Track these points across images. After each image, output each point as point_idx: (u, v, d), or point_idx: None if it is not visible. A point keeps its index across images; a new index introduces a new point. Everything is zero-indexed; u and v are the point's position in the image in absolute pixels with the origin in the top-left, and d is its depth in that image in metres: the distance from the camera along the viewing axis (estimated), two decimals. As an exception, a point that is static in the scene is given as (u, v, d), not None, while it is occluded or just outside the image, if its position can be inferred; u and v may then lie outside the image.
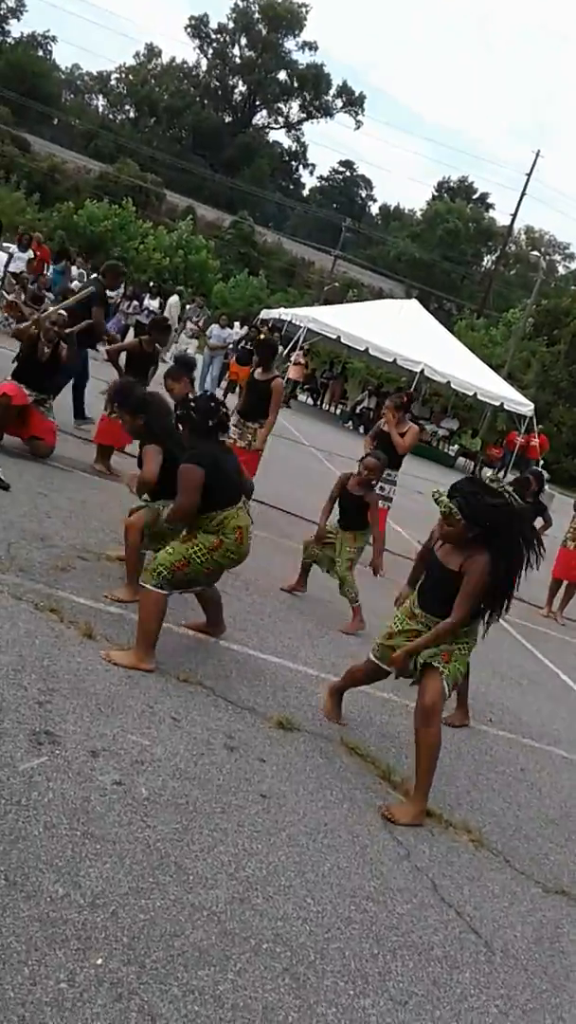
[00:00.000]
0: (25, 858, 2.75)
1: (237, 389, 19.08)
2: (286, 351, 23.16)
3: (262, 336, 18.53)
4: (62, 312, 7.86)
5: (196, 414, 4.75)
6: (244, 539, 4.67)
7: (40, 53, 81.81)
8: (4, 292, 15.84)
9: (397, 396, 9.54)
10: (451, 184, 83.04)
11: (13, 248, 17.40)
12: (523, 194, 48.68)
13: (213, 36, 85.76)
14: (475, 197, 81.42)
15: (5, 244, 18.46)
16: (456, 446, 29.12)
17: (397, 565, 9.15)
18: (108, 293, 18.56)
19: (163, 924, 2.73)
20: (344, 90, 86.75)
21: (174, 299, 19.72)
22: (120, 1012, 2.35)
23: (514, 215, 52.26)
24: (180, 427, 4.96)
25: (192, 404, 4.85)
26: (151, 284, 23.11)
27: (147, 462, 5.24)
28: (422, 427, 28.00)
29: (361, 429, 27.20)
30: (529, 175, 48.15)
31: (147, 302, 21.28)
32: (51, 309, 8.66)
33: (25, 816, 2.94)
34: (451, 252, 70.33)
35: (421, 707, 4.17)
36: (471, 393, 23.66)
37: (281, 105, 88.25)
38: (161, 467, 5.24)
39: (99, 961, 2.48)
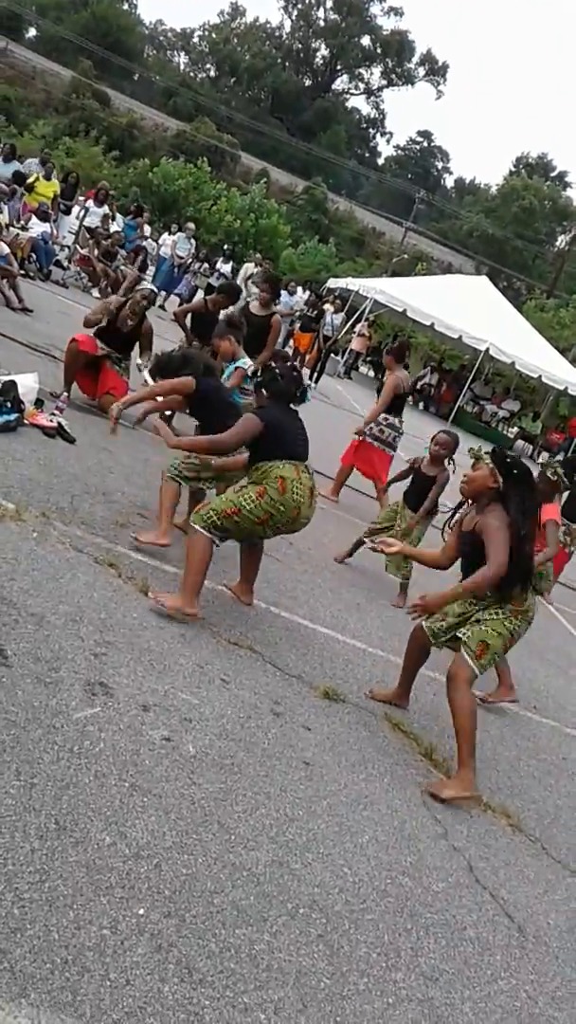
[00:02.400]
0: (75, 805, 2.81)
1: (299, 358, 19.04)
2: (351, 322, 22.99)
3: (264, 266, 18.34)
4: (153, 287, 7.86)
5: (282, 381, 4.82)
6: (287, 489, 4.59)
7: (125, 7, 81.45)
8: (78, 246, 15.91)
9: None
10: (529, 160, 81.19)
11: (89, 203, 17.45)
12: (604, 174, 47.45)
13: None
14: (553, 175, 79.54)
15: (80, 198, 18.51)
16: (516, 428, 28.73)
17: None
18: (179, 254, 18.65)
19: (204, 880, 2.79)
20: (427, 58, 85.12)
21: (249, 267, 19.64)
22: (158, 963, 2.41)
23: (593, 195, 50.89)
24: (258, 392, 4.95)
25: (277, 371, 4.89)
26: (224, 248, 23.01)
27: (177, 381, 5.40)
28: (419, 385, 27.08)
29: (421, 405, 27.02)
30: (612, 155, 46.90)
31: (219, 265, 21.23)
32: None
33: (77, 764, 3.01)
34: (524, 230, 68.85)
35: (448, 674, 4.29)
36: (535, 375, 23.31)
37: (362, 71, 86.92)
38: (202, 411, 5.50)
39: (141, 911, 2.54)
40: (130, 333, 7.55)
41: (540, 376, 22.94)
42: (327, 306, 20.40)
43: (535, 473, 4.38)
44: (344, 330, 21.81)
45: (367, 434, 8.52)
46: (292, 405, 4.89)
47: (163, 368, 5.61)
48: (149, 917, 2.54)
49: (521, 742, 5.33)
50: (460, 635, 4.28)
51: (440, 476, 6.50)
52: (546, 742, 5.54)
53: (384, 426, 8.51)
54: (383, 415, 8.50)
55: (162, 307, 18.33)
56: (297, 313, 19.56)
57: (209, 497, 4.88)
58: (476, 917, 3.35)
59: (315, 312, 19.50)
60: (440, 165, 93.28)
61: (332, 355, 20.83)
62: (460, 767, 4.18)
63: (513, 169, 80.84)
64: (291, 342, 19.46)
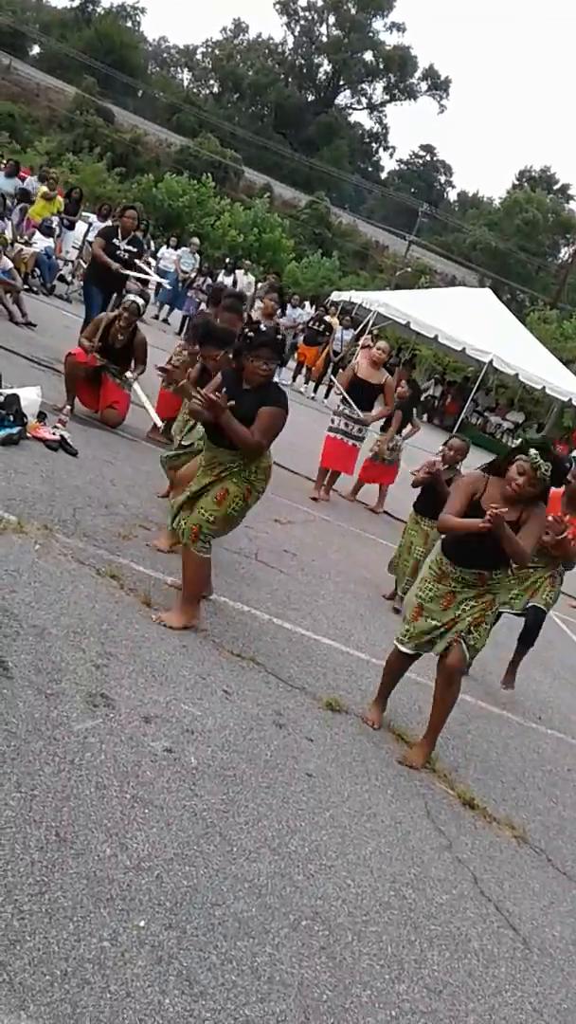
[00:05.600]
0: (76, 816, 2.80)
1: (304, 370, 19.06)
2: (355, 335, 23.00)
3: (269, 279, 18.38)
4: (136, 301, 7.86)
5: (279, 349, 4.59)
6: (268, 478, 4.64)
7: (128, 25, 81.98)
8: (83, 261, 15.98)
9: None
10: (532, 173, 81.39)
11: (92, 218, 17.53)
12: (607, 186, 47.51)
13: (301, 14, 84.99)
14: (556, 188, 79.71)
15: (84, 214, 18.60)
16: (520, 440, 28.65)
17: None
18: (183, 269, 18.71)
19: (205, 892, 2.77)
20: (430, 73, 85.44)
21: (239, 274, 19.73)
22: (159, 975, 2.39)
23: (596, 207, 50.91)
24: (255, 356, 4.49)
25: (278, 335, 4.66)
26: (226, 260, 23.05)
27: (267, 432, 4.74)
28: (482, 416, 27.62)
29: (425, 417, 27.01)
30: (615, 168, 46.99)
31: (221, 278, 21.31)
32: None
33: (78, 775, 2.99)
34: (528, 242, 68.93)
35: (446, 668, 4.29)
36: (539, 387, 23.28)
37: (365, 86, 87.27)
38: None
39: (141, 923, 2.53)
40: (123, 348, 7.61)
41: (544, 387, 22.87)
42: (333, 319, 20.41)
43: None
44: (350, 345, 21.80)
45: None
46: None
47: (206, 337, 5.53)
48: (150, 929, 2.52)
49: (527, 753, 5.30)
50: (467, 640, 4.22)
51: (457, 479, 6.48)
52: (551, 753, 5.51)
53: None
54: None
55: (166, 321, 18.41)
56: (300, 326, 19.58)
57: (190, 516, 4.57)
58: (480, 929, 3.33)
59: (321, 326, 19.52)
60: (443, 179, 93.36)
61: (341, 369, 20.78)
62: (426, 743, 4.41)
63: (516, 182, 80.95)
64: (295, 355, 19.49)
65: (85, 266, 15.46)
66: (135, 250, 9.45)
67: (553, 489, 4.55)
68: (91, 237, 16.65)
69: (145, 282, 14.80)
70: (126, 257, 9.36)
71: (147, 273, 11.40)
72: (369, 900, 3.15)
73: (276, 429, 4.50)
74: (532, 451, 4.03)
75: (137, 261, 9.79)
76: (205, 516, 4.44)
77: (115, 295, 9.40)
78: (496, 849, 3.98)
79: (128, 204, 10.36)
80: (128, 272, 9.43)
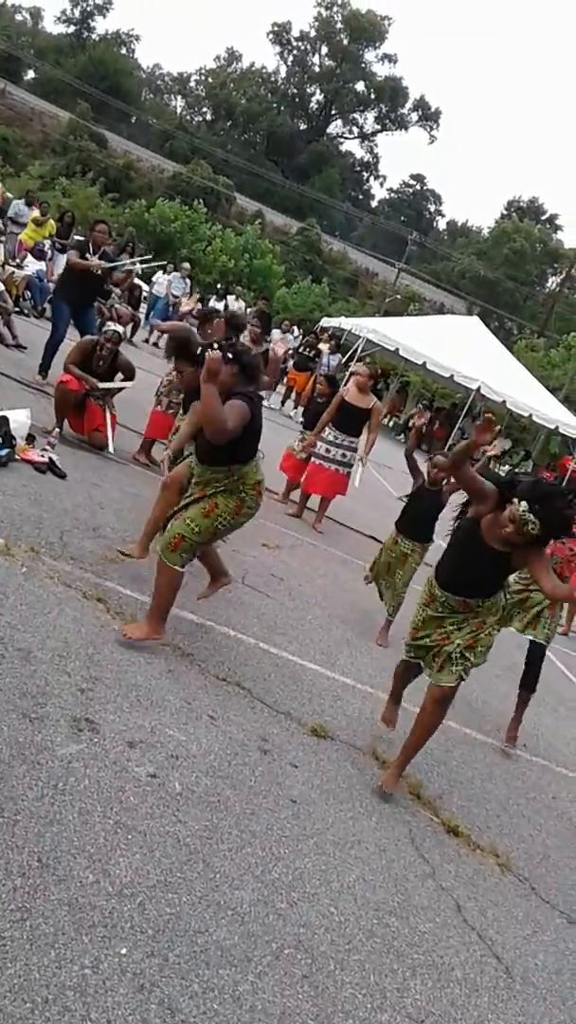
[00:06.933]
0: (58, 842, 2.79)
1: (294, 395, 19.15)
2: (344, 360, 23.13)
3: (259, 306, 18.50)
4: (116, 329, 7.91)
5: (250, 361, 4.53)
6: (260, 494, 4.63)
7: (123, 51, 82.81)
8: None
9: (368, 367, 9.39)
10: (521, 203, 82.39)
11: (82, 241, 17.63)
12: (594, 218, 48.02)
13: (294, 43, 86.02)
14: (544, 218, 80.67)
15: (76, 238, 18.68)
16: (507, 467, 28.84)
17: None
18: (174, 293, 18.82)
19: (188, 920, 2.76)
20: (420, 104, 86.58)
21: (231, 299, 19.88)
22: (140, 1003, 2.37)
23: (583, 238, 51.38)
24: (228, 363, 4.39)
25: (243, 350, 4.56)
26: (218, 286, 23.21)
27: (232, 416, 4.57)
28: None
29: (413, 443, 27.15)
30: (602, 199, 47.48)
31: (212, 303, 21.46)
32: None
33: (61, 801, 2.98)
34: (516, 271, 69.68)
35: (433, 689, 4.20)
36: (527, 414, 23.45)
37: (356, 115, 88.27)
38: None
39: (123, 951, 2.51)
40: (106, 373, 7.69)
41: (531, 415, 23.06)
42: (323, 346, 20.53)
43: None
44: (338, 370, 21.91)
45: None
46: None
47: (179, 351, 5.53)
48: (132, 956, 2.51)
49: (511, 780, 5.30)
50: (458, 655, 4.15)
51: (446, 490, 6.42)
52: (536, 781, 5.51)
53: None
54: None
55: (156, 344, 18.46)
56: (289, 351, 19.68)
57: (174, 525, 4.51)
58: (463, 958, 3.32)
59: (311, 351, 19.64)
60: (433, 208, 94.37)
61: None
62: (399, 765, 4.33)
63: (504, 212, 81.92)
64: (285, 380, 19.59)
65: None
66: (106, 264, 9.49)
67: None
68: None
69: (133, 290, 14.79)
70: (98, 272, 9.36)
71: (129, 264, 11.51)
72: (352, 928, 3.14)
73: (238, 416, 4.30)
74: (523, 505, 3.75)
75: (134, 263, 9.81)
76: (191, 526, 4.43)
77: (85, 308, 9.40)
78: (480, 877, 3.97)
79: (98, 219, 10.32)
80: (110, 265, 9.42)
